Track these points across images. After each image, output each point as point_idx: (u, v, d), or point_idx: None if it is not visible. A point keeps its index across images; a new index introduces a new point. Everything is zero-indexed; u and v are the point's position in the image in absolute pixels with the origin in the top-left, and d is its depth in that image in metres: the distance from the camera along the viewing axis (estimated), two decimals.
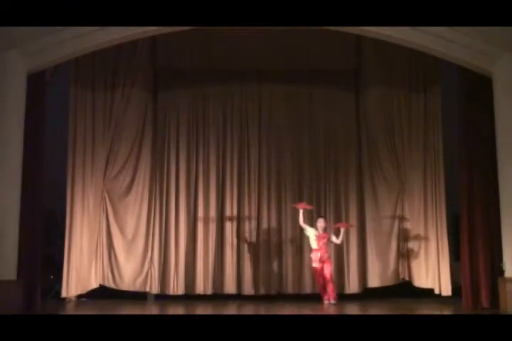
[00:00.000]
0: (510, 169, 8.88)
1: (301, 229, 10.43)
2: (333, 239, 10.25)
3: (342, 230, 10.25)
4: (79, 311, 9.45)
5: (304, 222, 10.20)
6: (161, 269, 10.97)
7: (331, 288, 9.98)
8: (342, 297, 10.69)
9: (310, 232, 10.20)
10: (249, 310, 9.67)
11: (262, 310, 9.45)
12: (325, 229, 10.25)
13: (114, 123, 11.10)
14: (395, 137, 11.29)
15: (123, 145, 11.14)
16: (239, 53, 11.32)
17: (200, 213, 11.18)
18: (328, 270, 10.02)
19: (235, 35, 10.86)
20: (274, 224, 11.25)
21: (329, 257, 10.21)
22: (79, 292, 10.60)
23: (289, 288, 11.03)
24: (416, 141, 11.23)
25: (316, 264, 10.03)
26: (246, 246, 11.10)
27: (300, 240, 11.11)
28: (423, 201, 11.06)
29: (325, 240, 10.10)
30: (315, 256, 10.06)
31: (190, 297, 10.83)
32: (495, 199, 9.12)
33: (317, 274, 10.10)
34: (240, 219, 11.22)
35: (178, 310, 9.81)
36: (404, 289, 10.98)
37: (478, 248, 9.28)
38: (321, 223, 10.22)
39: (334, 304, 9.81)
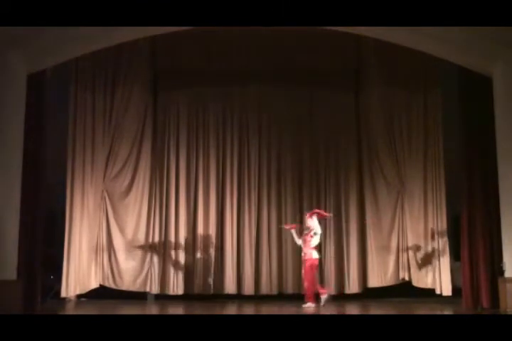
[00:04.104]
0: (510, 169, 8.87)
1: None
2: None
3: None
4: (79, 311, 9.45)
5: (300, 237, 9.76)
6: (160, 269, 10.97)
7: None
8: (342, 297, 10.71)
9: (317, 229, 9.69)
10: (249, 310, 9.68)
11: (262, 310, 9.44)
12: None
13: (114, 124, 11.12)
14: (395, 137, 11.29)
15: (123, 145, 11.15)
16: (239, 53, 11.34)
17: (200, 213, 11.18)
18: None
19: (235, 35, 10.87)
20: (274, 224, 11.24)
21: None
22: (79, 292, 10.61)
23: (289, 288, 11.03)
24: (416, 141, 11.23)
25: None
26: (246, 246, 11.10)
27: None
28: (423, 201, 11.06)
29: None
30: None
31: (190, 297, 10.82)
32: (495, 200, 9.11)
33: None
34: (239, 219, 11.23)
35: (178, 310, 9.81)
36: (404, 289, 10.98)
37: (478, 248, 9.28)
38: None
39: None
